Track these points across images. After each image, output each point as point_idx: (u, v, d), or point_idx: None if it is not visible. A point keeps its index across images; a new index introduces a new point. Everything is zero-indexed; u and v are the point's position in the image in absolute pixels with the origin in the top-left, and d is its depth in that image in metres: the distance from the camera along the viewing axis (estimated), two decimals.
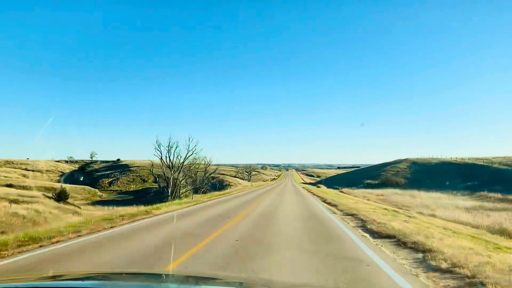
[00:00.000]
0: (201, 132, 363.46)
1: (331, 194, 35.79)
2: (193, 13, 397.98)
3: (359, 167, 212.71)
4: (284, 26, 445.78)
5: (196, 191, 62.48)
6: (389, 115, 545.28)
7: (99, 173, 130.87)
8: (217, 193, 45.60)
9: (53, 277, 2.69)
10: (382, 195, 46.68)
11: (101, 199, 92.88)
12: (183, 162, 53.34)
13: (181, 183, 56.56)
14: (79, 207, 57.44)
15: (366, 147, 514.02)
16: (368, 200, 37.88)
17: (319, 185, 65.70)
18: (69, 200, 63.79)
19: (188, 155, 53.23)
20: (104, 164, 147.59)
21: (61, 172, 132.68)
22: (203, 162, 64.98)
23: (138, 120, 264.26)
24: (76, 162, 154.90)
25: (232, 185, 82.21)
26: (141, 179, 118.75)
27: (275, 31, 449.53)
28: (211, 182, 66.36)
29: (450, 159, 76.26)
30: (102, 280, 2.57)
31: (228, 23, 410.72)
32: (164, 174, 53.94)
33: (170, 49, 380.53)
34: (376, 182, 67.82)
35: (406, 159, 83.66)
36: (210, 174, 66.04)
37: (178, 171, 53.88)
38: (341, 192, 52.20)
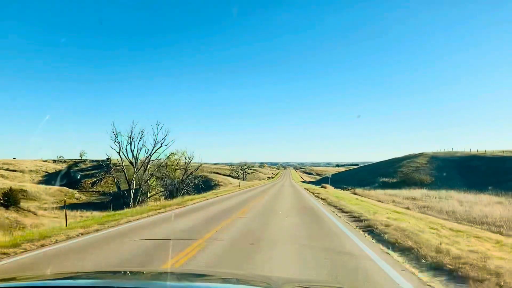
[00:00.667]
0: (200, 131, 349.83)
1: (352, 200, 21.91)
2: (191, 12, 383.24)
3: (357, 164, 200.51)
4: (283, 26, 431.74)
5: (174, 192, 49.21)
6: (386, 112, 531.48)
7: (84, 173, 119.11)
8: (188, 197, 32.13)
9: (51, 276, 2.68)
10: (414, 199, 32.79)
11: (78, 201, 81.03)
12: (149, 157, 39.51)
13: (150, 183, 42.81)
14: (35, 214, 44.15)
15: (363, 144, 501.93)
16: (408, 208, 24.10)
17: (323, 184, 51.52)
18: (32, 204, 52.47)
19: (156, 148, 39.32)
20: (92, 164, 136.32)
21: (46, 172, 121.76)
22: (183, 158, 51.71)
23: (133, 118, 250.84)
24: (65, 161, 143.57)
25: (221, 185, 68.61)
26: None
27: (274, 31, 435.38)
28: (193, 182, 52.75)
29: (477, 152, 62.09)
30: (101, 279, 2.55)
31: (227, 23, 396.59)
32: (124, 172, 40.35)
33: (167, 47, 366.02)
34: (394, 180, 53.93)
35: (422, 153, 69.26)
36: (192, 172, 52.40)
37: (144, 168, 40.15)
38: (355, 193, 38.42)
